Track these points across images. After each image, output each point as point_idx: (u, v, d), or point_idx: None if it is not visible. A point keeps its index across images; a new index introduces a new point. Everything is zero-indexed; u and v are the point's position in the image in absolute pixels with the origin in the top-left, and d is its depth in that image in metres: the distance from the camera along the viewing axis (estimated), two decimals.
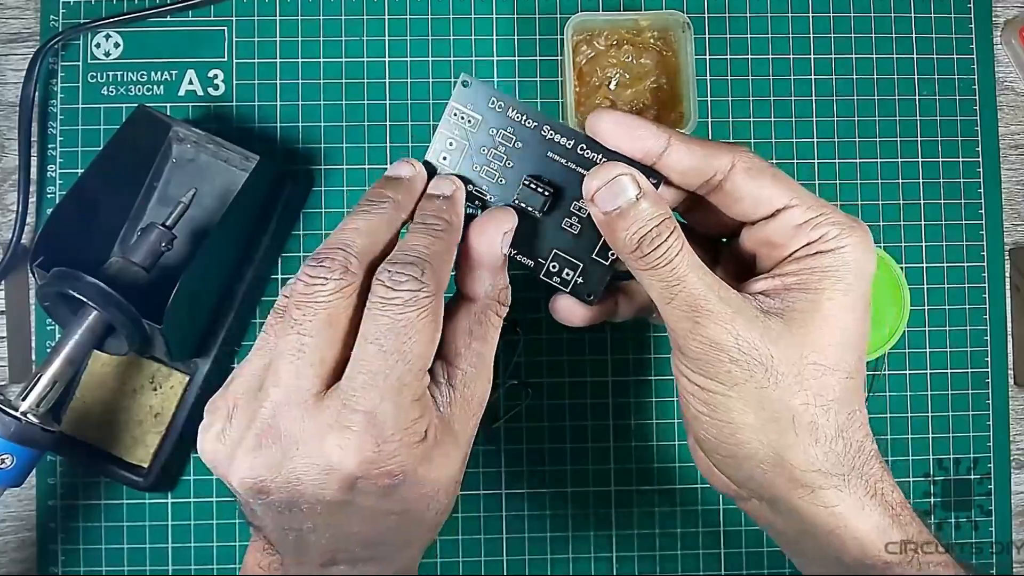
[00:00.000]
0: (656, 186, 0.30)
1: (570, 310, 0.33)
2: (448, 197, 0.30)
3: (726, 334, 0.28)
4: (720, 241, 0.35)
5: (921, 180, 0.48)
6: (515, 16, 0.48)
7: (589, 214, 0.31)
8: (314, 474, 0.26)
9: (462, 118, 0.31)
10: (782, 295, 0.29)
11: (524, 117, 0.31)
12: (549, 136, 0.31)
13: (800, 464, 0.29)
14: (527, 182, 0.31)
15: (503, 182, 0.31)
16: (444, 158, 0.31)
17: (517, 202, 0.31)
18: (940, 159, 0.48)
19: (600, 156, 0.31)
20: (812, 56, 0.48)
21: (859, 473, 0.29)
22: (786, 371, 0.28)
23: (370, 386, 0.26)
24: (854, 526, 0.29)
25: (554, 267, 0.32)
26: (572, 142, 0.31)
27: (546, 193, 0.31)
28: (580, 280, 0.32)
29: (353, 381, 0.26)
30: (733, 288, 0.29)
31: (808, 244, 0.29)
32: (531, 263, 0.32)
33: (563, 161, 0.31)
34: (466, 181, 0.31)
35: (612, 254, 0.31)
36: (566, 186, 0.31)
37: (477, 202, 0.32)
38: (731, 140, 0.47)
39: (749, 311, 0.28)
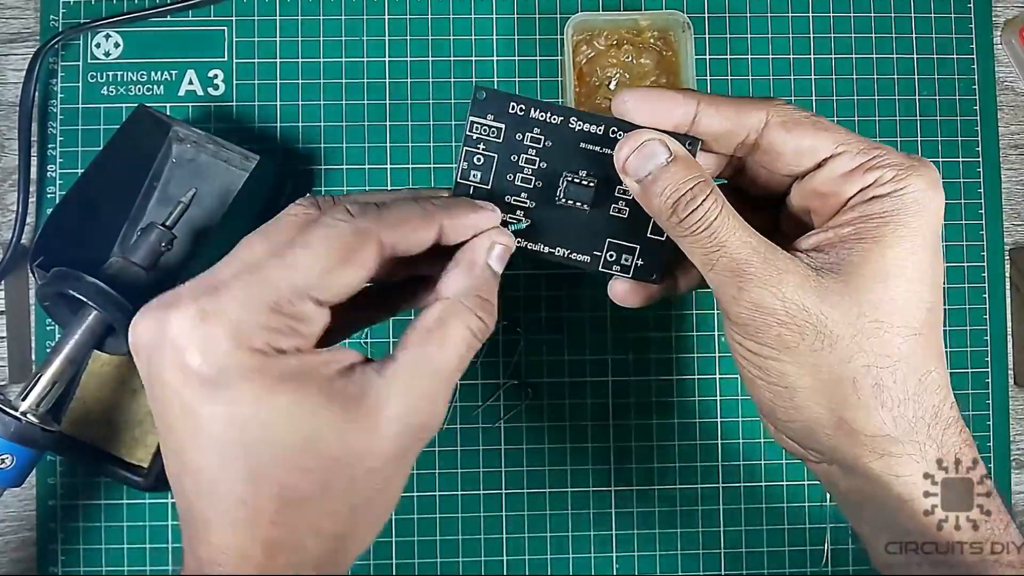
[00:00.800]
0: (693, 151, 0.29)
1: (629, 293, 0.32)
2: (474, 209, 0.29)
3: (771, 297, 0.26)
4: (778, 204, 0.32)
5: None
6: (515, 16, 0.48)
7: None
8: (140, 352, 0.24)
9: (484, 130, 0.30)
10: (836, 248, 0.27)
11: (548, 114, 0.30)
12: (578, 127, 0.30)
13: (866, 429, 0.27)
14: (569, 178, 0.30)
15: (540, 185, 0.30)
16: (474, 176, 0.30)
17: (563, 201, 0.30)
18: (940, 159, 0.48)
19: None
20: (812, 56, 0.48)
21: (936, 443, 0.27)
22: (843, 332, 0.26)
23: (241, 269, 0.24)
24: (927, 498, 0.28)
25: (611, 256, 0.31)
26: (602, 127, 0.30)
27: (591, 184, 0.30)
28: (640, 262, 0.32)
29: (227, 259, 0.25)
30: (783, 248, 0.28)
31: (862, 190, 0.27)
32: (587, 259, 0.31)
33: (598, 148, 0.30)
34: (502, 194, 0.30)
35: None
36: (604, 171, 0.30)
37: (520, 212, 0.31)
38: None
39: (799, 271, 0.27)
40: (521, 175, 0.30)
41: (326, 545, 0.25)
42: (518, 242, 0.30)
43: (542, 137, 0.30)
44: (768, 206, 0.32)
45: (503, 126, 0.30)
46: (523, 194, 0.31)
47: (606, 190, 0.30)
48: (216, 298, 0.23)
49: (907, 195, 0.27)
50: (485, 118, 0.30)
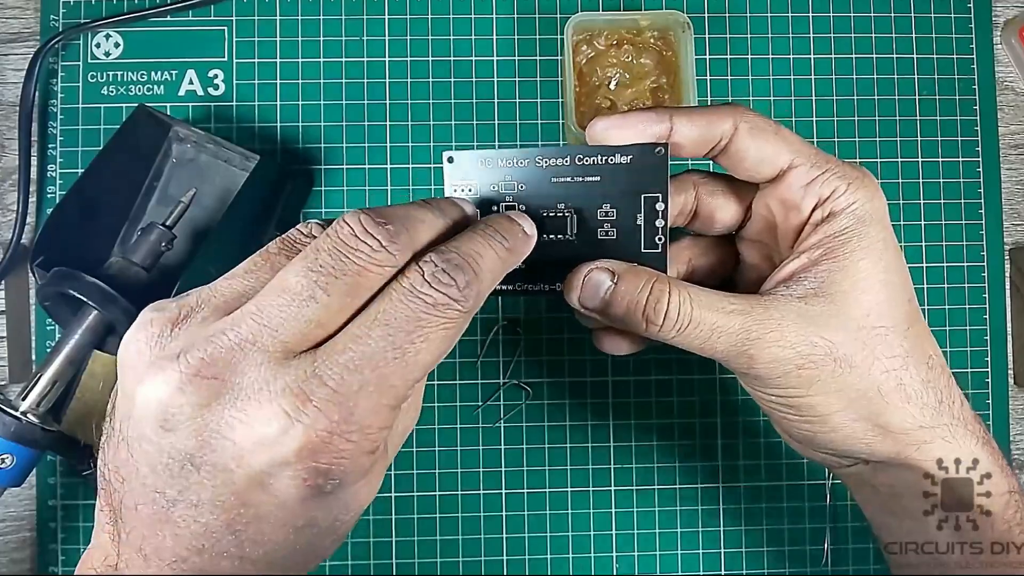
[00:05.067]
0: (664, 155, 0.30)
1: (616, 344, 0.33)
2: (527, 234, 0.28)
3: (781, 349, 0.28)
4: (733, 241, 0.34)
5: (921, 180, 0.48)
6: (515, 16, 0.48)
7: (618, 213, 0.31)
8: (241, 435, 0.21)
9: (464, 190, 0.32)
10: (813, 271, 0.29)
11: (515, 160, 0.31)
12: (545, 165, 0.31)
13: (899, 427, 0.29)
14: (545, 214, 0.31)
15: None
16: None
17: (547, 237, 0.31)
18: (940, 159, 0.48)
19: (600, 156, 0.31)
20: (812, 56, 0.48)
21: (960, 421, 0.30)
22: (853, 350, 0.28)
23: (355, 367, 0.22)
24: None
25: None
26: (567, 158, 0.31)
27: (567, 213, 0.31)
28: None
29: (337, 353, 0.22)
30: (760, 293, 0.29)
31: (820, 204, 0.29)
32: None
33: (569, 179, 0.31)
34: None
35: (659, 238, 0.31)
36: (584, 200, 0.31)
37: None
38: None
39: (791, 308, 0.28)
40: None
41: None
42: (519, 286, 0.32)
43: (515, 183, 0.31)
44: (727, 244, 0.35)
45: (477, 181, 0.31)
46: None
47: (587, 216, 0.31)
48: (350, 410, 0.22)
49: (859, 208, 0.29)
50: (460, 180, 0.32)
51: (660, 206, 0.31)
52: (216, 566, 0.23)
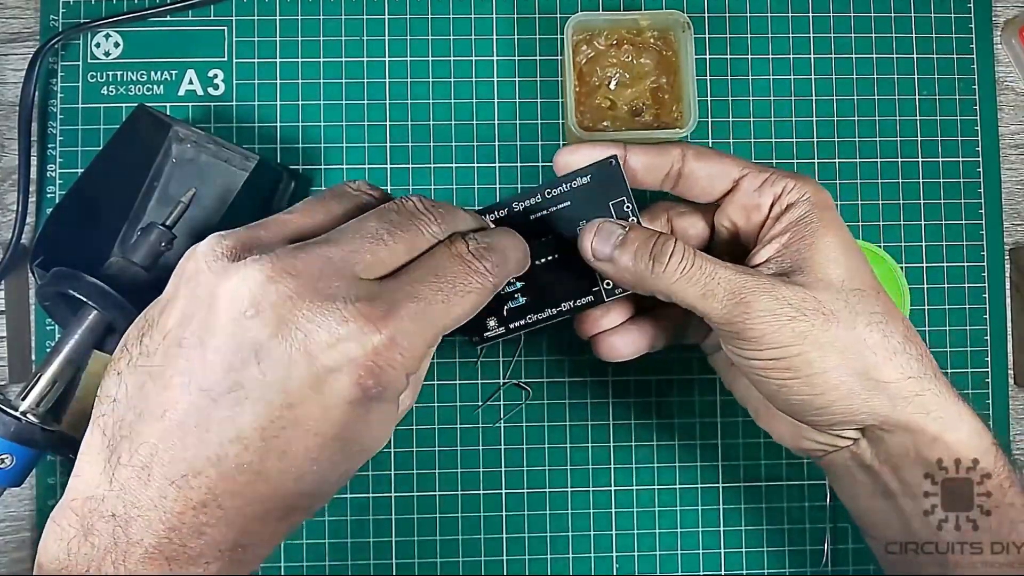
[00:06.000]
0: (618, 167, 0.34)
1: (614, 347, 0.37)
2: (527, 252, 0.33)
3: (775, 301, 0.30)
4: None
5: (921, 180, 0.48)
6: (515, 16, 0.48)
7: None
8: (316, 329, 0.24)
9: None
10: (786, 253, 0.32)
11: (495, 213, 0.35)
12: (520, 207, 0.35)
13: (892, 377, 0.31)
14: (535, 245, 0.34)
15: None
16: None
17: (540, 262, 0.35)
18: (940, 159, 0.48)
19: (564, 184, 0.34)
20: (812, 56, 0.48)
21: (942, 379, 0.32)
22: (836, 307, 0.30)
23: (413, 298, 0.26)
24: (956, 427, 0.31)
25: (608, 284, 0.35)
26: (537, 197, 0.35)
27: (548, 237, 0.35)
28: None
29: (401, 284, 0.26)
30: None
31: (776, 200, 0.33)
32: (590, 298, 0.35)
33: (544, 212, 0.35)
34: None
35: None
36: (561, 225, 0.35)
37: (517, 295, 0.35)
38: (731, 140, 0.47)
39: (776, 279, 0.31)
40: None
41: None
42: (530, 319, 0.35)
43: None
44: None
45: None
46: (512, 279, 0.34)
47: (571, 237, 0.34)
48: (400, 329, 0.26)
49: (810, 198, 0.32)
50: None
51: (628, 206, 0.34)
52: (229, 481, 0.25)
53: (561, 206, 0.35)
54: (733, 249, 0.35)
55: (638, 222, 0.34)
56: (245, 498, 0.25)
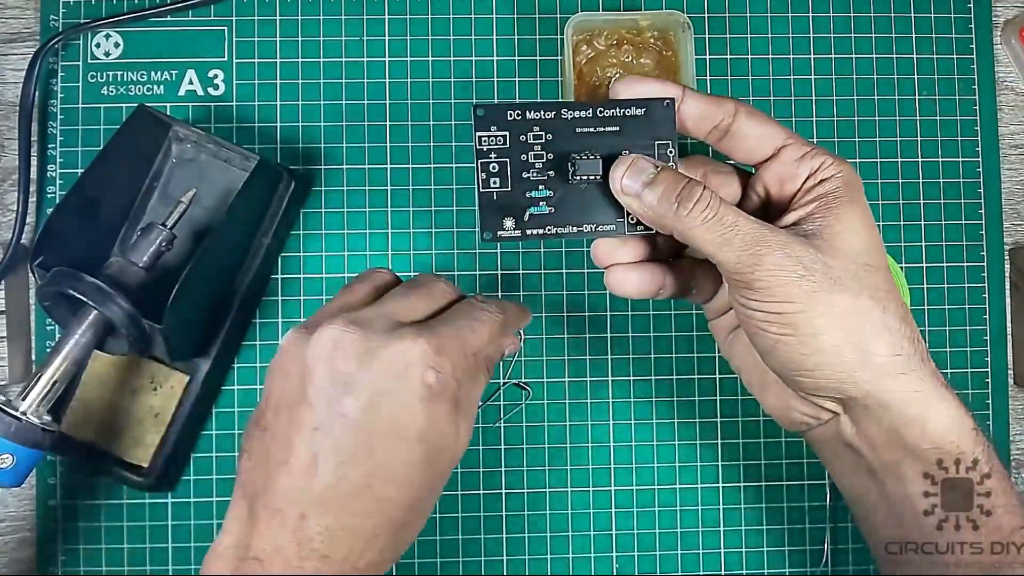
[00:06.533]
0: (671, 109, 0.34)
1: (624, 282, 0.36)
2: (529, 316, 0.38)
3: (787, 257, 0.31)
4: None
5: (921, 180, 0.48)
6: (515, 16, 0.48)
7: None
8: (385, 350, 0.31)
9: (491, 141, 0.34)
10: (810, 220, 0.33)
11: (542, 112, 0.34)
12: (570, 116, 0.34)
13: (882, 351, 0.31)
14: (576, 157, 0.33)
15: (552, 174, 0.34)
16: (494, 183, 0.34)
17: (577, 179, 0.34)
18: (940, 159, 0.48)
19: (618, 108, 0.34)
20: (812, 56, 0.48)
21: (929, 365, 0.32)
22: (845, 275, 0.31)
23: (447, 323, 0.33)
24: (937, 410, 0.32)
25: (632, 219, 0.35)
26: (590, 111, 0.34)
27: (595, 157, 0.34)
28: None
29: (432, 324, 0.33)
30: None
31: (812, 173, 0.34)
32: (613, 226, 0.35)
33: (591, 128, 0.34)
34: (522, 191, 0.34)
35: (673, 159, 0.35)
36: (605, 147, 0.34)
37: (542, 202, 0.34)
38: None
39: (796, 238, 0.32)
40: (534, 170, 0.34)
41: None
42: (549, 230, 0.34)
43: (543, 133, 0.34)
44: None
45: (507, 133, 0.34)
46: (541, 186, 0.34)
47: (606, 165, 0.34)
48: (444, 342, 0.32)
49: (843, 176, 0.33)
50: (489, 131, 0.33)
51: (671, 151, 0.34)
52: (344, 502, 0.30)
53: (608, 129, 0.34)
54: (761, 216, 0.35)
55: (675, 168, 0.34)
56: (358, 518, 0.30)
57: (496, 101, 0.33)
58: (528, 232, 0.34)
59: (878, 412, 0.32)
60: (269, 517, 0.30)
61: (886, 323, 0.32)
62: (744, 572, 0.47)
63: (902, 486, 0.32)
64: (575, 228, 0.34)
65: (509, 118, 0.33)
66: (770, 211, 0.35)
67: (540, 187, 0.34)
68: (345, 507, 0.30)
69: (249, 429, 0.32)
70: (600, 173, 0.34)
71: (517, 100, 0.34)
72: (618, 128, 0.34)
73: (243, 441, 0.32)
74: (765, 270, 0.31)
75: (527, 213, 0.34)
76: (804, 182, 0.34)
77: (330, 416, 0.30)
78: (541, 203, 0.34)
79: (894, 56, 0.49)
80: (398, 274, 0.37)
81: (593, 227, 0.35)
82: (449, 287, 0.36)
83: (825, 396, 0.33)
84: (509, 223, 0.34)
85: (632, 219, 0.35)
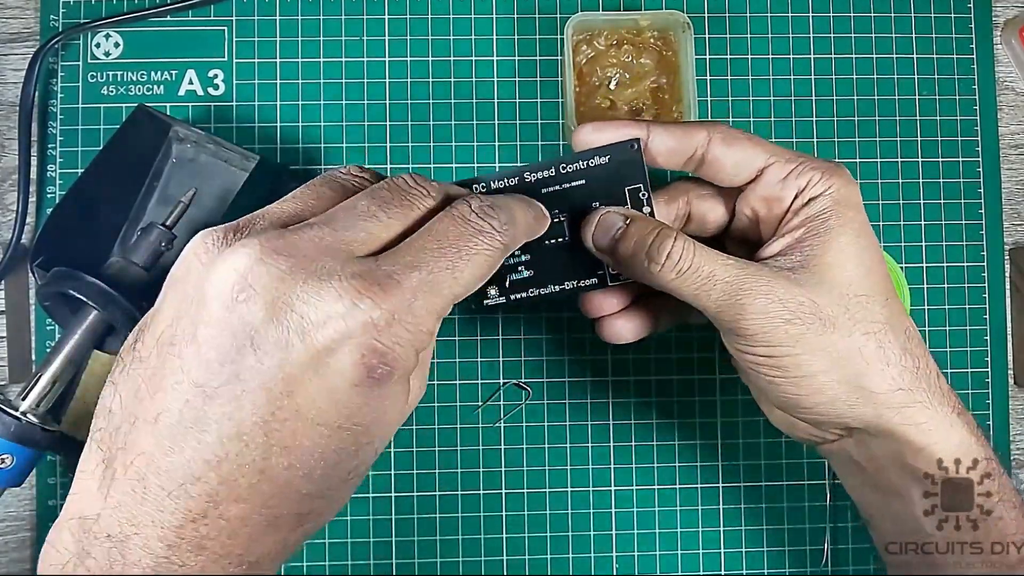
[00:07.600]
0: (638, 150, 0.32)
1: (617, 331, 0.36)
2: (545, 215, 0.32)
3: (771, 302, 0.30)
4: (718, 240, 0.36)
5: (921, 180, 0.48)
6: (515, 16, 0.48)
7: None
8: (311, 309, 0.23)
9: None
10: (798, 249, 0.31)
11: (504, 181, 0.34)
12: (531, 178, 0.33)
13: (881, 388, 0.30)
14: None
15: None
16: None
17: (547, 243, 0.33)
18: (940, 159, 0.48)
19: (581, 161, 0.33)
20: (812, 56, 0.48)
21: (938, 390, 0.31)
22: (836, 312, 0.30)
23: (413, 267, 0.24)
24: (945, 437, 0.31)
25: (612, 269, 0.34)
26: (552, 169, 0.33)
27: (562, 218, 0.33)
28: None
29: (399, 254, 0.25)
30: (753, 261, 0.31)
31: (799, 193, 0.32)
32: (594, 280, 0.34)
33: (557, 187, 0.33)
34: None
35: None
36: (573, 203, 0.33)
37: (522, 268, 0.34)
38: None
39: (779, 274, 0.30)
40: None
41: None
42: (532, 292, 0.34)
43: None
44: (712, 244, 0.37)
45: None
46: (517, 252, 0.33)
47: (577, 219, 0.33)
48: (403, 302, 0.24)
49: (835, 192, 0.31)
50: None
51: (643, 194, 0.33)
52: (231, 485, 0.23)
53: (575, 184, 0.33)
54: (752, 235, 0.35)
55: (651, 212, 0.33)
56: (250, 504, 0.23)
57: (461, 179, 0.33)
58: (512, 297, 0.34)
59: (882, 440, 0.31)
60: (129, 485, 0.23)
61: (884, 357, 0.31)
62: (744, 572, 0.47)
63: (909, 507, 0.32)
64: (557, 287, 0.34)
65: (475, 191, 0.33)
66: (763, 228, 0.34)
67: (517, 253, 0.34)
68: (232, 491, 0.23)
69: (122, 350, 0.25)
70: (566, 235, 0.33)
71: (476, 175, 0.34)
72: (584, 180, 0.33)
73: (113, 366, 0.25)
74: (749, 317, 0.30)
75: (508, 280, 0.34)
76: (792, 203, 0.32)
77: (220, 375, 0.23)
78: (521, 268, 0.34)
79: (894, 56, 0.49)
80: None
81: (575, 283, 0.34)
82: (431, 188, 0.27)
83: (827, 427, 0.33)
84: (493, 291, 0.34)
85: (612, 269, 0.34)
